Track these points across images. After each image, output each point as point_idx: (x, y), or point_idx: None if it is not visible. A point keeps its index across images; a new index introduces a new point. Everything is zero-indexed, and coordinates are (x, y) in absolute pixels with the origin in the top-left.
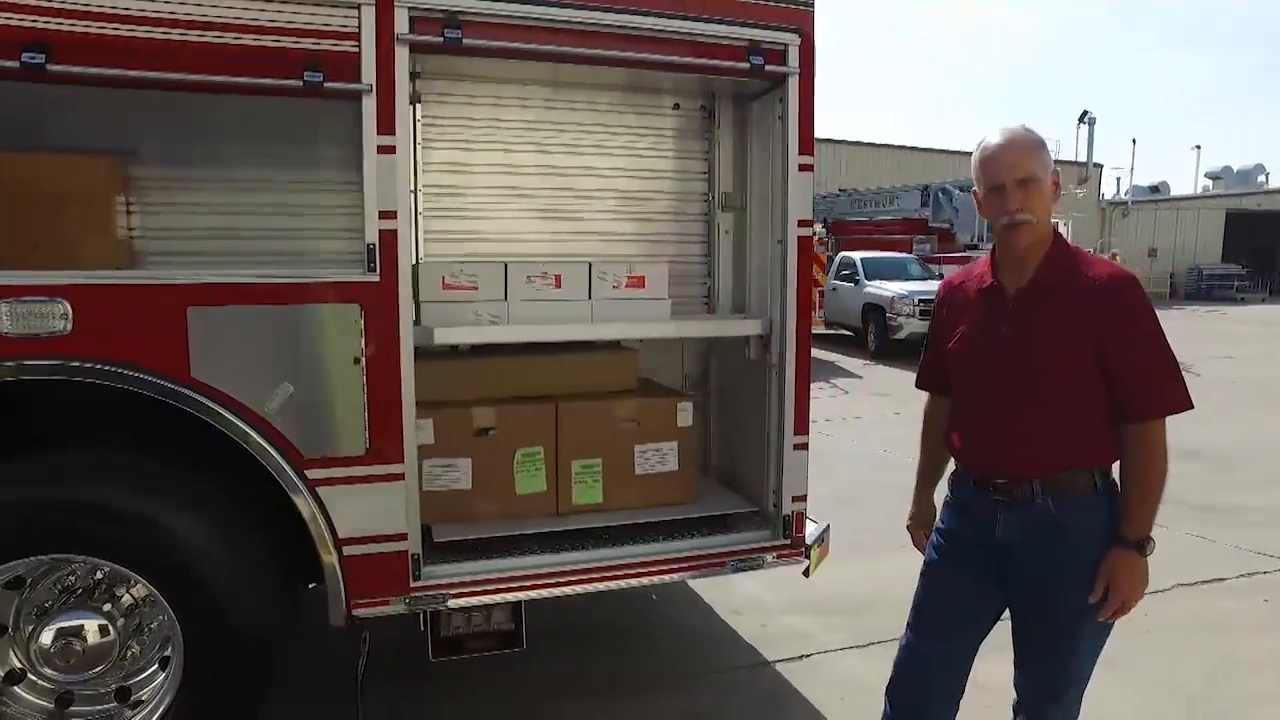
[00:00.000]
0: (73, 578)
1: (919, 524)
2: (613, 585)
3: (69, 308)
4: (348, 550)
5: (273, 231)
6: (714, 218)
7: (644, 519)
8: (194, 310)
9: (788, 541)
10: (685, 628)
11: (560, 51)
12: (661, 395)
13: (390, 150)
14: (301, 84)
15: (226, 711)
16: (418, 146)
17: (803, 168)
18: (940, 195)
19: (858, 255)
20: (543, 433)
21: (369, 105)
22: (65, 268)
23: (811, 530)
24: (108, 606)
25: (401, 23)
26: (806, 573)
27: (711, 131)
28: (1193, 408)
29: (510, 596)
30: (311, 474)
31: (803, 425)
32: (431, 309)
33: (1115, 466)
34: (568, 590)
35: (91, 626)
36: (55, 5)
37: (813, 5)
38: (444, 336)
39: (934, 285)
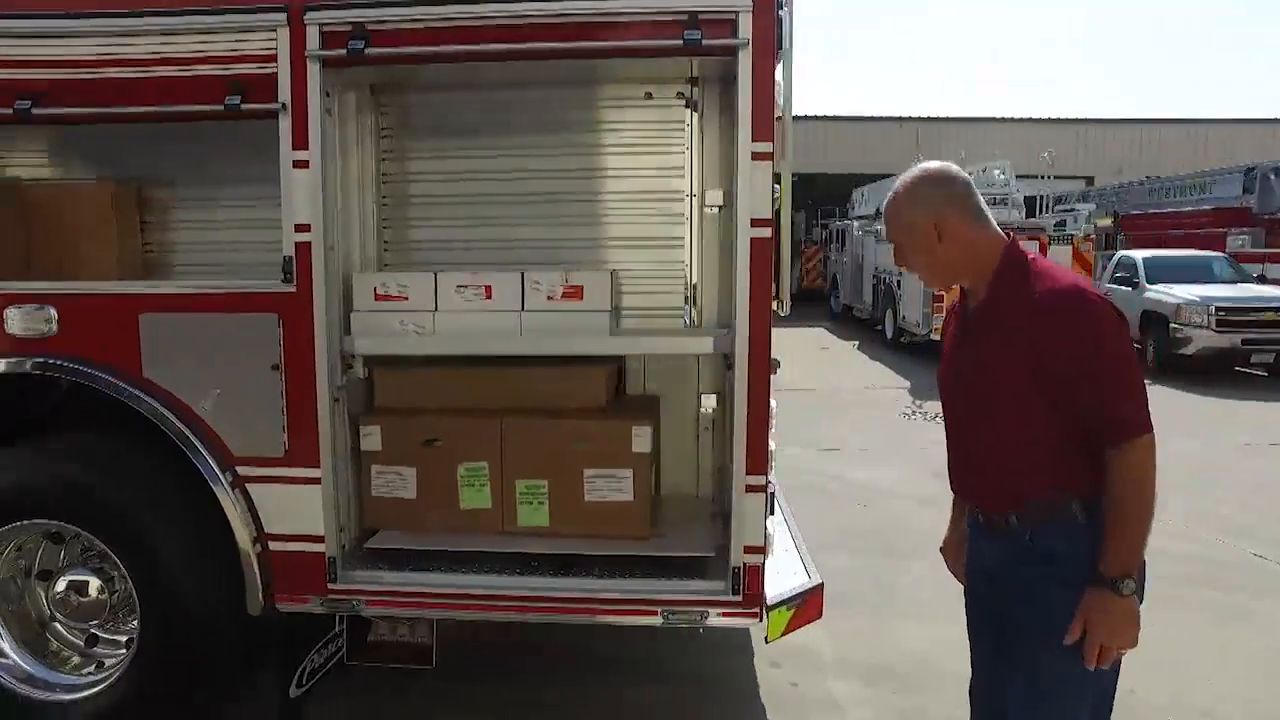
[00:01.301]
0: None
1: (950, 549)
2: (527, 618)
3: (54, 313)
4: (273, 545)
5: (259, 244)
6: (694, 218)
7: (587, 550)
8: (144, 317)
9: (737, 598)
10: (708, 670)
11: (477, 50)
12: (617, 417)
13: (304, 165)
14: (222, 108)
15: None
16: (379, 158)
17: (757, 156)
18: (1273, 177)
19: (1139, 255)
20: (487, 448)
21: (285, 122)
22: (72, 279)
23: (785, 588)
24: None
25: (313, 40)
26: (766, 638)
27: (692, 122)
28: (1149, 431)
29: (425, 612)
30: (241, 470)
31: (757, 464)
32: (361, 318)
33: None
34: (480, 615)
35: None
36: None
37: None
38: (362, 347)
39: (1249, 290)
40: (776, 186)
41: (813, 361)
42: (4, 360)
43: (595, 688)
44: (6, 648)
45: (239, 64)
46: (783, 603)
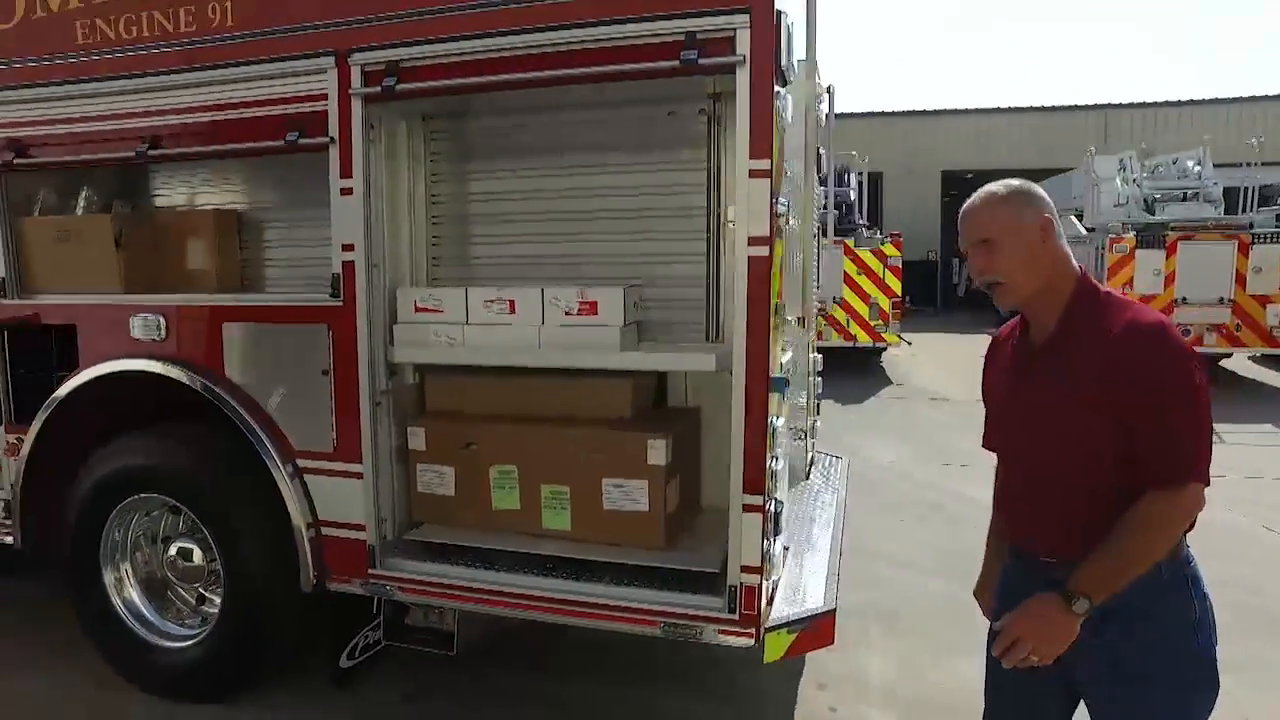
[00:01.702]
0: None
1: (985, 590)
2: (537, 617)
3: (163, 321)
4: (325, 530)
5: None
6: (716, 235)
7: (605, 556)
8: (226, 325)
9: (734, 616)
10: (749, 685)
11: (494, 81)
12: (635, 429)
13: (349, 192)
14: (284, 143)
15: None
16: (429, 180)
17: (755, 174)
18: None
19: None
20: (516, 453)
21: (333, 154)
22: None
23: (790, 611)
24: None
25: (356, 79)
26: (764, 659)
27: (716, 137)
28: (1206, 484)
29: (447, 603)
30: (301, 462)
31: (754, 483)
32: (402, 329)
33: (1186, 539)
34: (496, 611)
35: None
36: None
37: None
38: (399, 355)
39: None
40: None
41: (960, 370)
42: (133, 360)
43: (629, 691)
44: (133, 593)
45: (297, 104)
46: (783, 625)
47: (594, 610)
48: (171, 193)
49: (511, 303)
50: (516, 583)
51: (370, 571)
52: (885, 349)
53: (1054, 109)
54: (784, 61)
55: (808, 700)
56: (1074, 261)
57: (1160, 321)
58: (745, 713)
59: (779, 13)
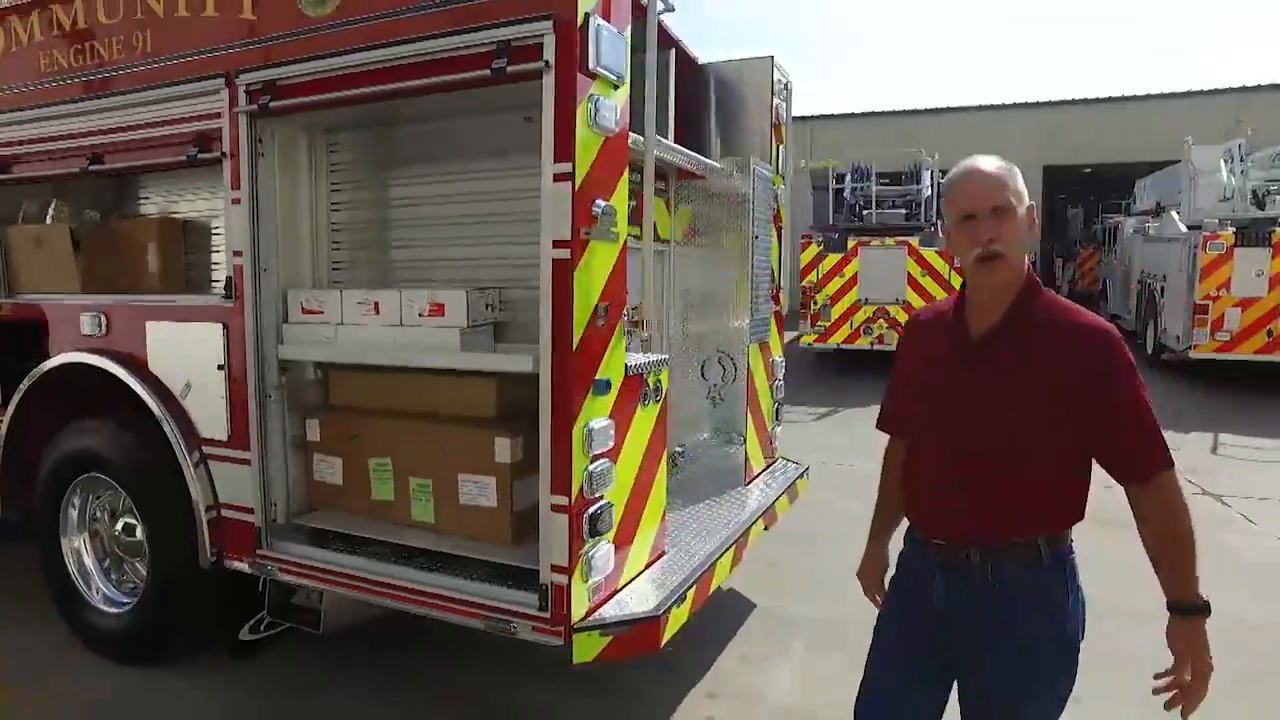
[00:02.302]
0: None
1: (867, 576)
2: (392, 604)
3: (104, 319)
4: (224, 513)
5: None
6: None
7: (456, 549)
8: (149, 323)
9: (545, 614)
10: (631, 684)
11: (349, 95)
12: (490, 428)
13: (238, 202)
14: (185, 159)
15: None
16: (330, 187)
17: (558, 177)
18: None
19: None
20: (390, 446)
21: (226, 167)
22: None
23: (611, 613)
24: None
25: (241, 99)
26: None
27: None
28: (1174, 465)
29: (316, 585)
30: (205, 449)
31: (561, 485)
32: (290, 329)
33: (1071, 530)
34: (357, 595)
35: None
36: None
37: None
38: (288, 353)
39: None
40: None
41: None
42: (79, 354)
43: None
44: (87, 560)
45: (200, 121)
46: (595, 627)
47: (432, 600)
48: (144, 202)
49: (375, 304)
50: (373, 569)
51: (258, 552)
52: None
53: (1170, 96)
54: (593, 65)
55: (689, 707)
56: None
57: (1109, 326)
58: (616, 711)
59: (587, 17)
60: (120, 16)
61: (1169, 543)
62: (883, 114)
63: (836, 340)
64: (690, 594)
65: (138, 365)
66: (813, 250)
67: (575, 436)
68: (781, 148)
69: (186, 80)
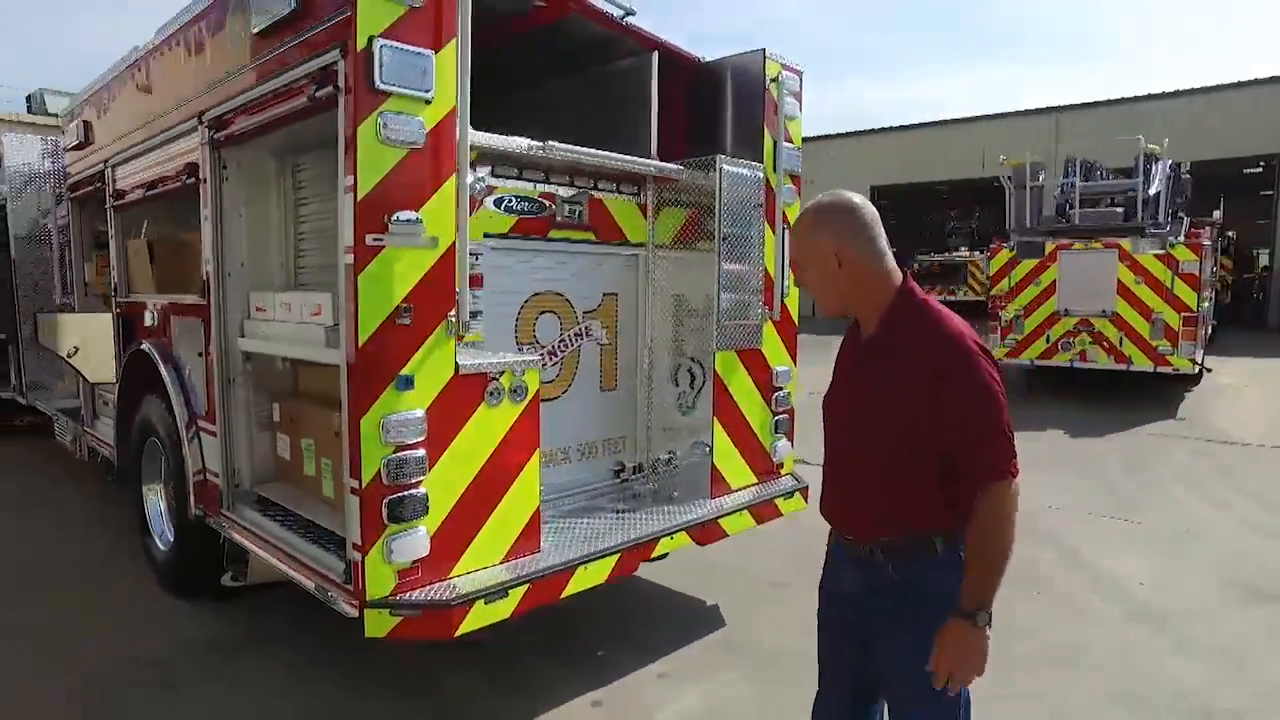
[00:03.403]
0: None
1: None
2: (277, 564)
3: (156, 313)
4: (208, 476)
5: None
6: None
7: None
8: (173, 318)
9: (350, 587)
10: (527, 680)
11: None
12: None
13: (208, 219)
14: (183, 184)
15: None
16: (297, 202)
17: (347, 189)
18: None
19: None
20: (314, 429)
21: (202, 189)
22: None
23: (415, 595)
24: None
25: (204, 134)
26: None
27: None
28: (1013, 477)
29: (245, 544)
30: (200, 423)
31: (355, 468)
32: (250, 324)
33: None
34: (260, 554)
35: None
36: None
37: (352, 9)
38: (244, 345)
39: None
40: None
41: None
42: (143, 342)
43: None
44: (155, 505)
45: (193, 153)
46: (386, 606)
47: (287, 560)
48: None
49: (289, 305)
50: (273, 532)
51: (221, 511)
52: (1187, 374)
53: None
54: (379, 84)
55: (570, 710)
56: (890, 269)
57: (958, 332)
58: (500, 703)
59: (370, 40)
60: (157, 80)
61: (977, 549)
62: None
63: (1030, 356)
64: (517, 592)
65: (166, 351)
66: (1003, 256)
67: (366, 426)
68: (784, 141)
69: (183, 123)
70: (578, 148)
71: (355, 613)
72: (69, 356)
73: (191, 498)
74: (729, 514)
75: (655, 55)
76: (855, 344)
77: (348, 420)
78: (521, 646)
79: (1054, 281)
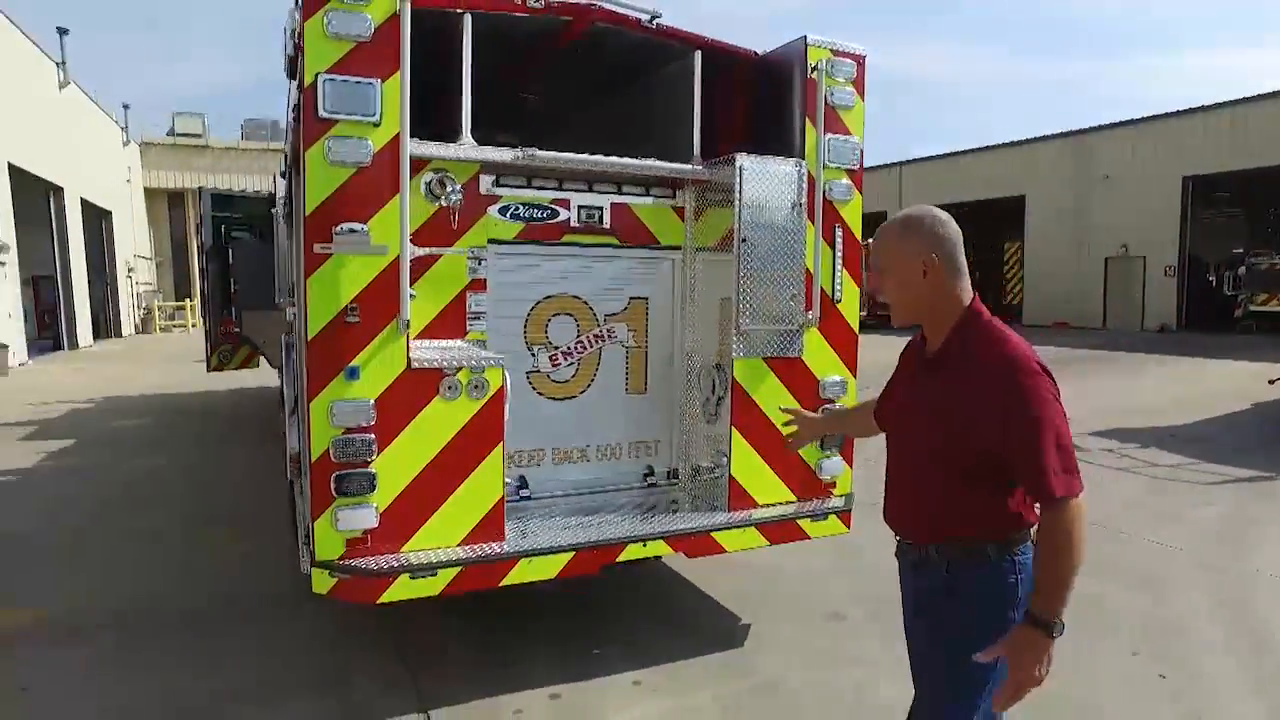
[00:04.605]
0: None
1: (802, 421)
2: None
3: None
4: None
5: None
6: None
7: None
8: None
9: (309, 546)
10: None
11: None
12: None
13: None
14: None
15: None
16: None
17: (301, 204)
18: None
19: None
20: None
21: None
22: None
23: (358, 562)
24: None
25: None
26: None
27: None
28: (1077, 494)
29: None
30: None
31: (307, 447)
32: None
33: (1023, 536)
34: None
35: None
36: None
37: (301, 51)
38: None
39: None
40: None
41: None
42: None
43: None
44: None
45: None
46: (325, 566)
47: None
48: None
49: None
50: None
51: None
52: None
53: None
54: (323, 113)
55: (526, 698)
56: (964, 293)
57: (1020, 353)
58: (465, 673)
59: (317, 75)
60: None
61: (1047, 565)
62: None
63: None
64: (448, 573)
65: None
66: None
67: (315, 409)
68: (833, 133)
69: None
70: (562, 154)
71: (308, 569)
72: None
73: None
74: (726, 529)
75: (698, 55)
76: (917, 356)
77: (305, 404)
78: (527, 631)
79: None
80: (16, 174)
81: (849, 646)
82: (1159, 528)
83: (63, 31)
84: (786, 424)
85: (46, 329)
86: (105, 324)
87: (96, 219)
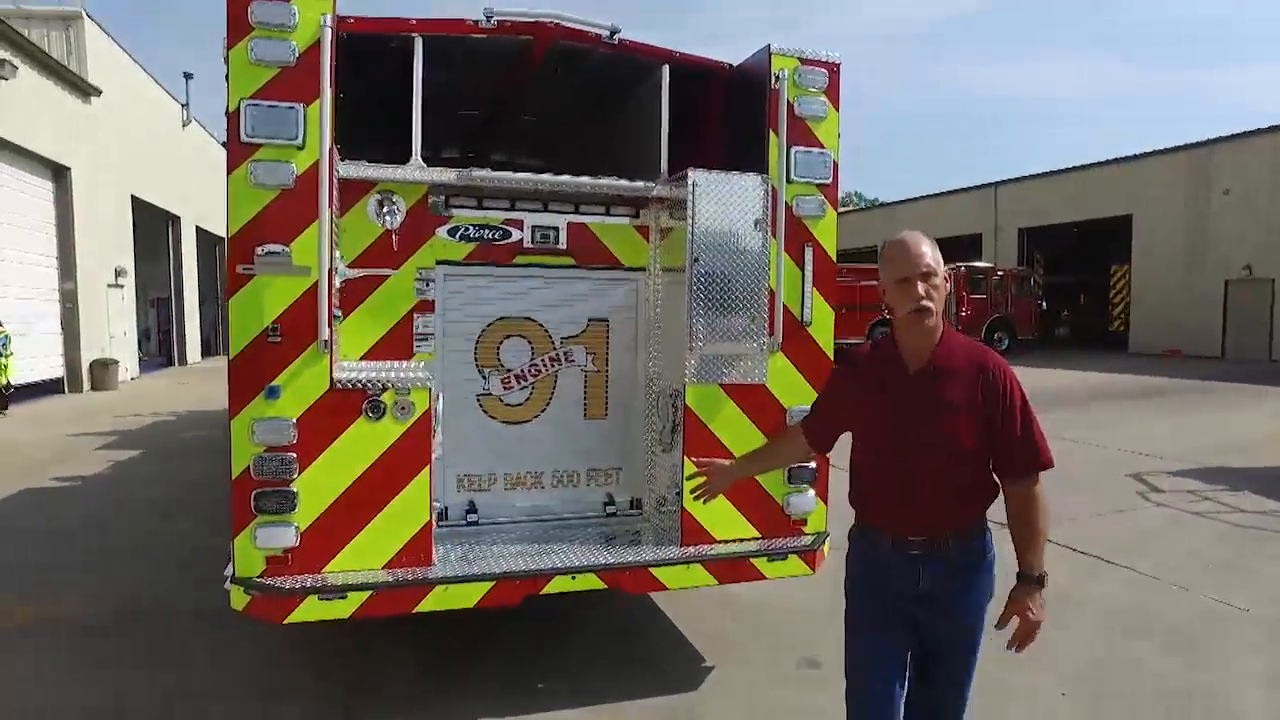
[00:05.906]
0: None
1: (711, 472)
2: None
3: None
4: None
5: None
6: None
7: None
8: None
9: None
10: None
11: None
12: None
13: None
14: None
15: None
16: None
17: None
18: None
19: None
20: None
21: None
22: None
23: (271, 580)
24: None
25: None
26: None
27: None
28: (1054, 465)
29: None
30: None
31: (228, 464)
32: None
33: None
34: None
35: None
36: None
37: (228, 79)
38: None
39: None
40: None
41: None
42: None
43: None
44: None
45: None
46: (242, 584)
47: None
48: None
49: None
50: None
51: None
52: None
53: None
54: (244, 137)
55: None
56: None
57: (995, 353)
58: (397, 705)
59: (240, 101)
60: None
61: (1035, 526)
62: None
63: None
64: (358, 596)
65: None
66: None
67: (236, 427)
68: (802, 146)
69: None
70: (504, 174)
71: (228, 585)
72: None
73: None
74: (667, 564)
75: (666, 69)
76: (896, 372)
77: (226, 422)
78: (478, 658)
79: None
80: (139, 205)
81: (810, 699)
82: (1226, 583)
83: (188, 76)
84: (690, 476)
85: (165, 347)
86: (215, 343)
87: (210, 245)
